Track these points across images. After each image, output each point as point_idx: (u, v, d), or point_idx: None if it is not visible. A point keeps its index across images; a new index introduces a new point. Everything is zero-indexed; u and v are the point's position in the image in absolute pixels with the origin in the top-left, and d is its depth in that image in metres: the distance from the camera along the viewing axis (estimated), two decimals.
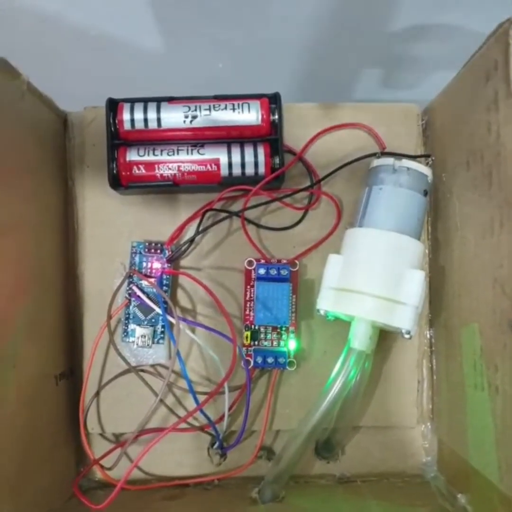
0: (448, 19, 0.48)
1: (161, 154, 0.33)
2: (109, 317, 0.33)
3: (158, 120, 0.33)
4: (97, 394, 0.36)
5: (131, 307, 0.34)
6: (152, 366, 0.36)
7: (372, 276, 0.31)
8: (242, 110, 0.33)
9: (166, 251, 0.34)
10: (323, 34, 0.50)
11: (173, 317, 0.32)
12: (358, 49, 0.53)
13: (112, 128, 0.33)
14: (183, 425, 0.35)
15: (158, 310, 0.33)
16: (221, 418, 0.35)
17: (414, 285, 0.30)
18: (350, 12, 0.47)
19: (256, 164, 0.33)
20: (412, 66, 0.55)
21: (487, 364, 0.28)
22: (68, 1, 0.51)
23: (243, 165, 0.33)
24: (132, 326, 0.34)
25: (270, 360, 0.34)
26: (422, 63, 0.54)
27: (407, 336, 0.31)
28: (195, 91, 0.50)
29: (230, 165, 0.33)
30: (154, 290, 0.33)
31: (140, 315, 0.33)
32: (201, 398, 0.33)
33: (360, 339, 0.31)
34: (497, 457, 0.27)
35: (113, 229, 0.36)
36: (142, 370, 0.35)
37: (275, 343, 0.35)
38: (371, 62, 0.54)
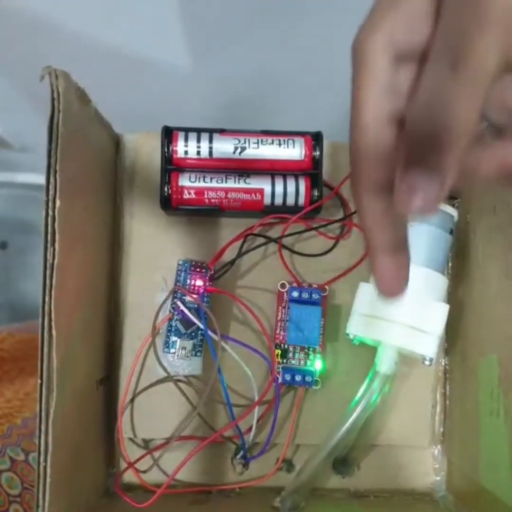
0: None
1: (211, 181, 0.36)
2: (154, 328, 0.35)
3: (210, 149, 0.36)
4: (132, 401, 0.38)
5: (173, 321, 0.36)
6: (186, 376, 0.38)
7: (401, 306, 0.33)
8: (287, 146, 0.36)
9: (209, 270, 0.36)
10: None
11: (213, 331, 0.35)
12: None
13: (166, 155, 0.36)
14: (211, 434, 0.37)
15: (199, 324, 0.35)
16: (248, 430, 0.37)
17: (439, 316, 0.33)
18: None
19: (297, 196, 0.36)
20: None
21: (505, 392, 0.31)
22: (102, 22, 0.54)
23: (285, 196, 0.36)
24: (173, 338, 0.36)
25: (298, 378, 0.37)
26: None
27: (427, 363, 0.34)
28: (218, 109, 0.52)
29: (273, 195, 0.36)
30: (195, 305, 0.36)
31: (181, 328, 0.36)
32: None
33: (386, 363, 0.34)
34: (511, 479, 0.30)
35: (157, 246, 0.39)
36: (178, 380, 0.37)
37: (302, 362, 0.38)
38: None
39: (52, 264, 0.27)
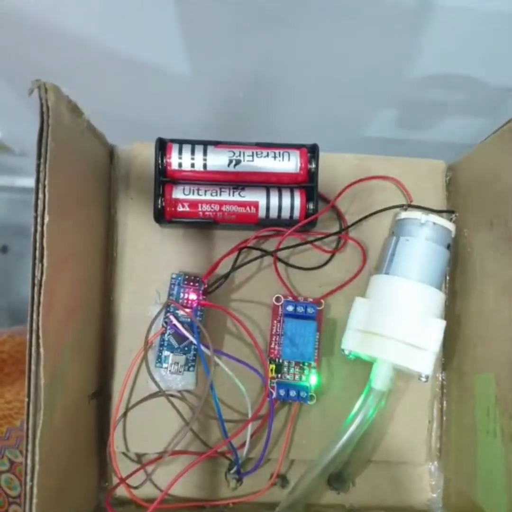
0: (467, 69, 0.51)
1: (205, 194, 0.35)
2: (146, 343, 0.35)
3: (204, 162, 0.35)
4: (125, 415, 0.37)
5: (166, 335, 0.36)
6: (179, 391, 0.37)
7: (397, 322, 0.33)
8: (283, 159, 0.35)
9: (203, 284, 0.36)
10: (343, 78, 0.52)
11: (206, 346, 0.35)
12: (373, 94, 0.55)
13: (160, 167, 0.35)
14: (204, 449, 0.37)
15: (192, 339, 0.35)
16: (241, 445, 0.37)
17: (435, 333, 0.33)
18: (375, 64, 0.50)
19: (292, 209, 0.36)
20: (431, 113, 0.58)
21: (501, 412, 0.30)
22: (99, 32, 0.54)
23: (280, 209, 0.36)
24: (166, 352, 0.36)
25: (292, 393, 0.36)
26: (441, 109, 0.57)
27: (424, 379, 0.33)
28: (213, 119, 0.52)
29: (267, 208, 0.36)
30: (188, 320, 0.35)
31: (174, 342, 0.35)
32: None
33: (381, 380, 0.34)
34: (506, 500, 0.29)
35: (151, 258, 0.38)
36: (170, 395, 0.37)
37: (297, 377, 0.37)
38: (394, 106, 0.57)
39: (40, 281, 0.27)
